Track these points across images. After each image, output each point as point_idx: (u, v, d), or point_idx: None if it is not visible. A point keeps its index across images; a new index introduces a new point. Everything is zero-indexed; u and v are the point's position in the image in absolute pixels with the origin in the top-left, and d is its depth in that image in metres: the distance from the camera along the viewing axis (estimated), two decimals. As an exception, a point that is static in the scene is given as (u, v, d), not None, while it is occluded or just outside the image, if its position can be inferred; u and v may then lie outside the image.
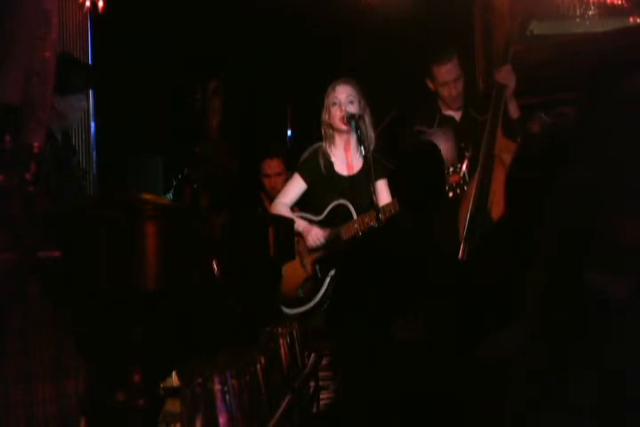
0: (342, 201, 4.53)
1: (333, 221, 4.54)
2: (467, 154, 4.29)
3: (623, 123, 1.59)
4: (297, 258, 4.54)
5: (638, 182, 1.54)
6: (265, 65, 5.90)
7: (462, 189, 4.11)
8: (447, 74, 4.63)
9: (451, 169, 4.09)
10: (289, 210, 4.65)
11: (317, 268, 4.52)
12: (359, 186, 4.51)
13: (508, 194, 2.96)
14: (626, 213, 1.54)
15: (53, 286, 2.16)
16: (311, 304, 4.46)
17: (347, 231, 4.46)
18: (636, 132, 1.57)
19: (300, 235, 4.54)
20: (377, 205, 4.26)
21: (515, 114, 4.47)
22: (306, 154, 4.74)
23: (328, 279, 4.47)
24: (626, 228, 1.53)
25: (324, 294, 4.45)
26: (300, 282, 4.56)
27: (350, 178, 4.59)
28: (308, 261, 4.56)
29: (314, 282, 4.52)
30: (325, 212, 4.57)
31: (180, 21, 5.60)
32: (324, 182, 4.60)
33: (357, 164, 4.58)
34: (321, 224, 4.57)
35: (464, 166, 4.09)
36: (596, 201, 1.58)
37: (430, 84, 4.71)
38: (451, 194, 4.11)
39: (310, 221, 4.59)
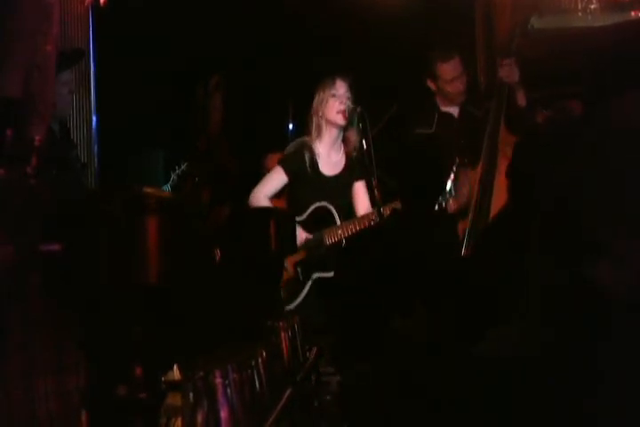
0: (324, 203, 4.49)
1: (315, 223, 4.51)
2: (455, 165, 4.32)
3: (622, 133, 1.60)
4: None
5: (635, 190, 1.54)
6: (266, 61, 5.90)
7: (448, 203, 4.15)
8: (453, 70, 4.63)
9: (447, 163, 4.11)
10: (269, 202, 4.60)
11: (299, 270, 4.50)
12: (343, 186, 4.50)
13: (509, 185, 2.96)
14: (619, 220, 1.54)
15: (54, 281, 2.16)
16: (292, 306, 4.44)
17: (330, 236, 4.44)
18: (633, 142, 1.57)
19: None
20: (378, 201, 4.23)
21: (522, 103, 4.44)
22: (291, 148, 4.69)
23: (310, 282, 4.45)
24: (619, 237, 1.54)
25: (306, 296, 4.43)
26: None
27: (335, 177, 4.56)
28: (289, 262, 4.52)
29: (295, 284, 4.49)
30: (307, 213, 4.54)
31: (181, 16, 5.60)
32: (308, 181, 4.54)
33: (344, 162, 4.57)
34: (302, 225, 4.53)
35: (449, 181, 4.11)
36: (592, 200, 1.58)
37: (432, 85, 4.70)
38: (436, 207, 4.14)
39: None
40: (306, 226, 4.51)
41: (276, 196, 5.70)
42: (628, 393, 1.54)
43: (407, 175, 3.61)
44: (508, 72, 4.43)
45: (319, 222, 4.50)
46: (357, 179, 4.51)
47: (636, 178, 1.54)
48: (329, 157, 4.58)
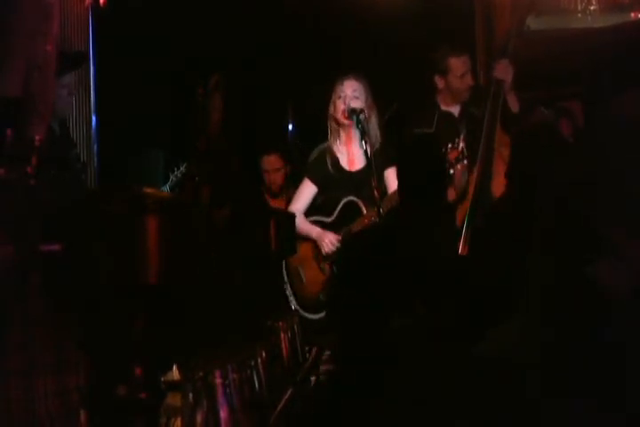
0: (351, 198, 4.50)
1: (345, 220, 4.52)
2: (462, 128, 4.31)
3: (621, 133, 1.60)
4: (315, 263, 4.54)
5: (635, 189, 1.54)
6: (266, 60, 5.90)
7: (462, 163, 4.12)
8: (463, 65, 4.63)
9: (449, 145, 4.09)
10: (303, 217, 4.62)
11: (335, 269, 4.48)
12: (368, 180, 4.47)
13: (509, 185, 2.95)
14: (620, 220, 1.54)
15: (55, 280, 2.16)
16: None
17: (358, 227, 4.43)
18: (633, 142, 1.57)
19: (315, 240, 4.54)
20: (378, 200, 4.23)
21: (514, 107, 4.48)
22: (313, 155, 4.73)
23: None
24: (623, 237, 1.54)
25: None
26: (320, 286, 4.53)
27: (359, 172, 4.57)
28: (325, 264, 4.54)
29: None
30: (336, 211, 4.55)
31: (181, 16, 5.59)
32: (332, 181, 4.58)
33: (361, 158, 4.56)
34: (333, 224, 4.54)
35: (461, 142, 4.10)
36: (592, 199, 1.58)
37: (440, 81, 4.67)
38: (451, 171, 4.11)
39: (323, 223, 4.57)
40: (337, 225, 4.53)
41: (274, 195, 5.71)
42: (629, 393, 1.54)
43: (406, 175, 3.60)
44: (503, 72, 4.45)
45: (348, 217, 4.50)
46: (386, 168, 4.47)
47: (637, 177, 1.54)
48: (350, 154, 4.59)
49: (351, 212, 4.50)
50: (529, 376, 1.66)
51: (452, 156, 4.09)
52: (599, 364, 1.57)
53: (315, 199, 4.71)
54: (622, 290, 1.56)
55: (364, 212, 4.43)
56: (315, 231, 4.54)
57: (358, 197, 4.48)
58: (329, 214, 4.57)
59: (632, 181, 1.54)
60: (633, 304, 1.54)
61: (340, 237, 4.50)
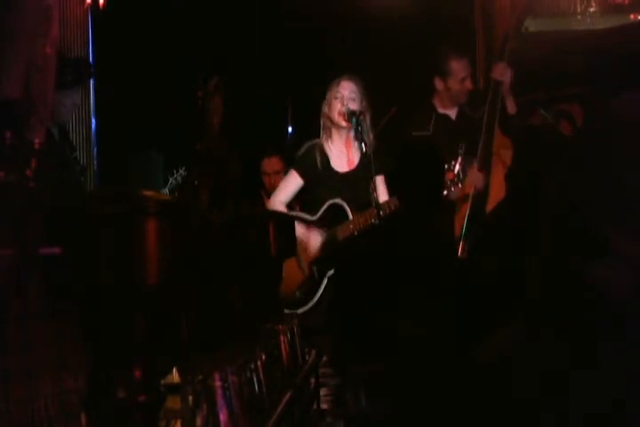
0: (337, 200, 4.48)
1: (329, 221, 4.51)
2: (460, 151, 4.29)
3: (619, 134, 1.59)
4: (295, 260, 4.53)
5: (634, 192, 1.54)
6: (266, 62, 5.90)
7: (457, 187, 4.11)
8: (464, 68, 4.63)
9: (445, 167, 4.08)
10: (285, 208, 4.63)
11: (315, 269, 4.49)
12: (357, 182, 4.46)
13: (509, 186, 2.95)
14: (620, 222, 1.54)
15: (55, 282, 2.16)
16: (309, 305, 4.43)
17: (342, 232, 4.42)
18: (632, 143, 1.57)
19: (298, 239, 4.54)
20: (377, 202, 4.22)
21: (512, 110, 4.48)
22: (302, 150, 4.70)
23: (325, 280, 4.43)
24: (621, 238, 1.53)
25: (322, 295, 4.42)
26: (298, 283, 4.53)
27: (348, 174, 4.55)
28: (305, 262, 4.53)
29: (312, 283, 4.48)
30: (320, 212, 4.54)
31: (181, 18, 5.60)
32: (320, 179, 4.55)
33: (356, 159, 4.55)
34: (316, 223, 4.53)
35: (457, 164, 4.08)
36: (594, 199, 1.58)
37: (440, 84, 4.66)
38: (445, 192, 4.11)
39: (306, 221, 4.56)
40: (320, 224, 4.51)
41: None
42: (629, 394, 1.54)
43: (405, 177, 3.61)
44: (501, 74, 4.45)
45: (333, 220, 4.48)
46: (376, 174, 4.44)
47: (637, 178, 1.54)
48: (341, 155, 4.58)
49: (336, 214, 4.48)
50: (529, 379, 1.66)
51: (447, 178, 4.09)
52: (599, 365, 1.57)
53: (302, 198, 4.71)
54: (624, 291, 1.55)
55: (350, 217, 4.42)
56: (299, 231, 4.51)
57: (345, 201, 4.46)
58: (312, 213, 4.55)
59: (632, 181, 1.54)
60: (633, 304, 1.54)
61: (323, 238, 4.50)
